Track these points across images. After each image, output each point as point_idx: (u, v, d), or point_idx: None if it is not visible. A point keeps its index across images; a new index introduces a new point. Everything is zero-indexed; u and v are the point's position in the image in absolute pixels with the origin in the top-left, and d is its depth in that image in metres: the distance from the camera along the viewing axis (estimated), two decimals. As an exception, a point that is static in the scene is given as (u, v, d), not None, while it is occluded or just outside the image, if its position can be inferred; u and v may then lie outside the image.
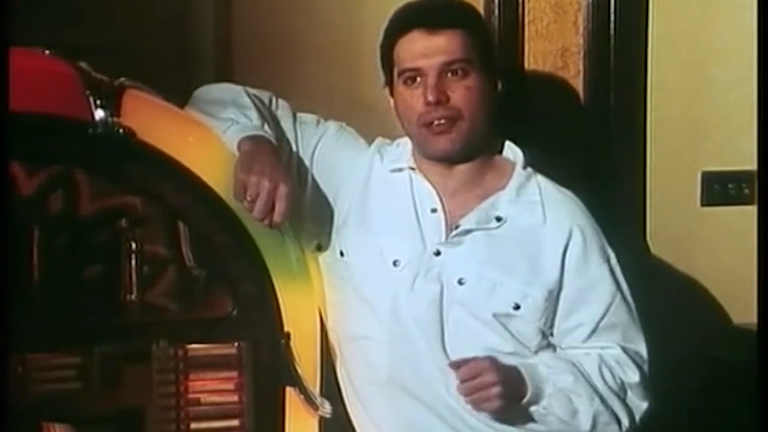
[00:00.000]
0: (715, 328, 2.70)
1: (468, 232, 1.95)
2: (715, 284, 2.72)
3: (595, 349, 1.96)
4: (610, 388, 1.94)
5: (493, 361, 1.87)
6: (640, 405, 1.97)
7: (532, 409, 1.90)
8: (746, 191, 2.71)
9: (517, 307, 1.92)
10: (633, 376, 1.96)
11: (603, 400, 1.93)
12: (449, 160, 1.99)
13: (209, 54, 2.53)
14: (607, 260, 1.98)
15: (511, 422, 1.92)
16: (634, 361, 1.97)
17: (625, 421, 1.95)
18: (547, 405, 1.90)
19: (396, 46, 1.97)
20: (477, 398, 1.85)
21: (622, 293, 1.98)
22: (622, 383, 1.95)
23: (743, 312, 2.68)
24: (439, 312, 1.93)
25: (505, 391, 1.85)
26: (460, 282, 1.93)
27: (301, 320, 1.93)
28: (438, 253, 1.95)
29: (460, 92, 1.93)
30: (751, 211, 2.51)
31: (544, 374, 1.91)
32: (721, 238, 2.73)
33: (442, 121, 1.94)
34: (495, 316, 1.91)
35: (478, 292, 1.92)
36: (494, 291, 1.92)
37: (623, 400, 1.95)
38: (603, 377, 1.94)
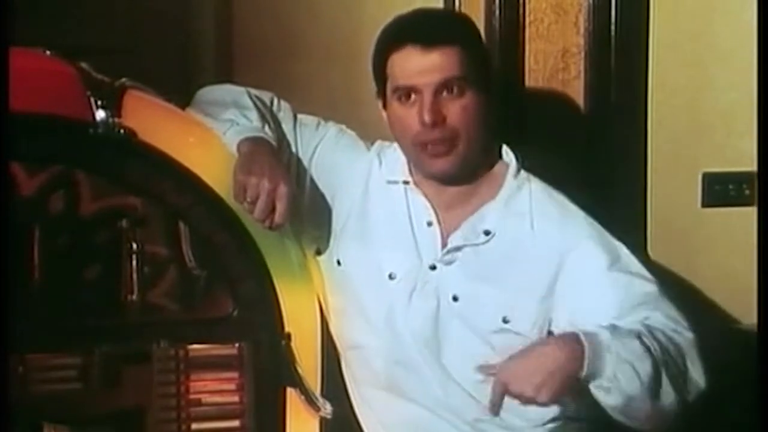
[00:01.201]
0: (715, 329, 2.69)
1: (458, 249, 1.92)
2: (716, 285, 2.72)
3: (631, 324, 1.80)
4: (669, 351, 1.76)
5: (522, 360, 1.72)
6: (698, 380, 1.81)
7: (594, 384, 1.72)
8: (747, 192, 2.71)
9: (505, 321, 1.89)
10: (687, 334, 1.81)
11: (668, 365, 1.75)
12: (446, 181, 1.95)
13: (210, 54, 2.54)
14: (616, 264, 1.89)
15: (572, 399, 1.80)
16: (681, 326, 1.83)
17: (686, 395, 1.79)
18: (612, 377, 1.71)
19: (389, 61, 1.90)
20: (522, 400, 1.72)
21: (635, 284, 1.88)
22: (678, 346, 1.79)
23: (743, 313, 2.67)
24: (436, 327, 1.91)
25: (550, 382, 1.68)
26: (454, 298, 1.91)
27: (301, 321, 1.93)
28: (433, 268, 1.93)
29: (456, 111, 1.87)
30: (751, 212, 2.51)
31: (606, 343, 1.72)
32: (722, 239, 2.73)
33: (438, 143, 1.88)
34: (487, 332, 1.89)
35: (471, 308, 1.90)
36: (485, 306, 1.89)
37: (685, 367, 1.79)
38: (660, 340, 1.76)
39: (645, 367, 1.72)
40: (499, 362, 1.76)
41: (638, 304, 1.85)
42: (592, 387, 1.73)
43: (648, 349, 1.74)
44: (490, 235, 1.92)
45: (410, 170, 1.99)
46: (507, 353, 1.79)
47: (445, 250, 1.92)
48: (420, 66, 1.86)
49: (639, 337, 1.75)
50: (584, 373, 1.70)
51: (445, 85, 1.86)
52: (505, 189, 1.96)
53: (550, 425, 1.94)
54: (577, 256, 1.89)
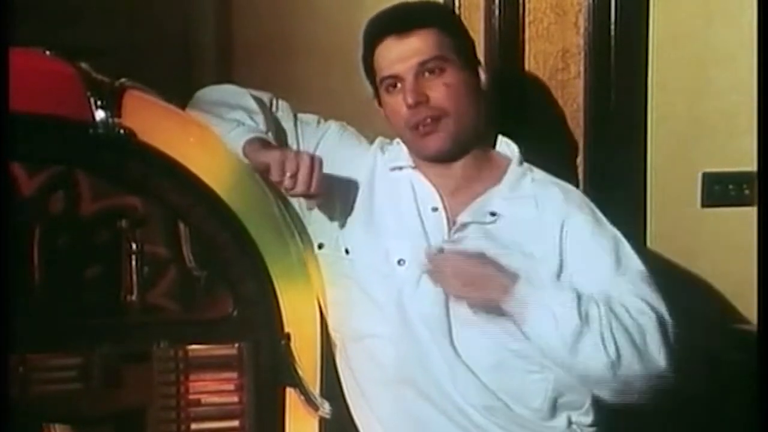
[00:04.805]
0: (715, 329, 2.70)
1: (465, 226, 1.97)
2: (715, 285, 2.72)
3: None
4: (626, 324, 1.84)
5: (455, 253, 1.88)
6: (656, 359, 1.86)
7: (518, 319, 1.85)
8: (747, 192, 2.71)
9: None
10: (652, 315, 1.87)
11: (613, 329, 1.83)
12: (442, 158, 2.00)
13: (209, 54, 2.54)
14: (606, 234, 1.98)
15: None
16: (652, 309, 1.88)
17: (638, 368, 1.84)
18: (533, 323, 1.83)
19: (374, 57, 2.00)
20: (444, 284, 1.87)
21: (625, 259, 1.96)
22: (639, 326, 1.85)
23: (743, 313, 2.68)
24: (445, 309, 1.93)
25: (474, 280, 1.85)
26: None
27: (301, 321, 1.93)
28: (442, 251, 1.95)
29: (439, 90, 1.95)
30: (751, 212, 2.51)
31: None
32: (722, 239, 2.73)
33: (428, 121, 1.95)
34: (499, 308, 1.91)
35: None
36: None
37: (644, 342, 1.85)
38: (618, 316, 1.84)
39: (571, 321, 1.82)
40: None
41: (620, 275, 1.93)
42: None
43: (600, 316, 1.84)
44: (495, 216, 1.98)
45: (413, 159, 2.05)
46: (515, 334, 1.88)
47: (453, 229, 1.97)
48: (399, 53, 1.96)
49: (597, 305, 1.85)
50: (507, 303, 1.83)
51: (424, 67, 1.95)
52: (509, 175, 2.03)
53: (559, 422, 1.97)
54: (576, 220, 1.97)
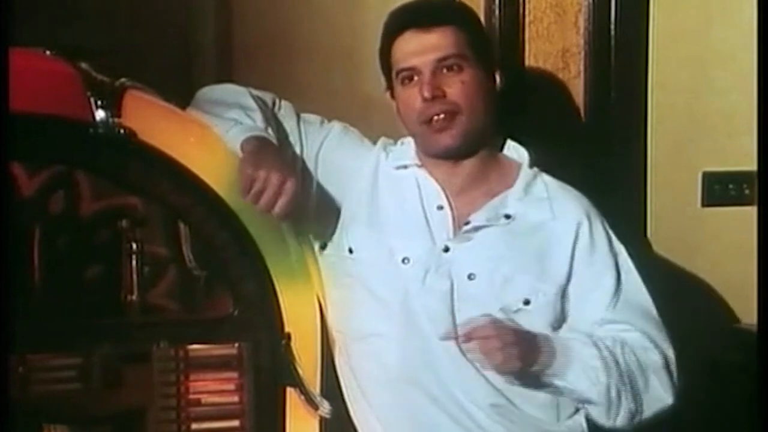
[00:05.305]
0: (715, 329, 2.70)
1: (478, 228, 1.97)
2: (715, 285, 2.72)
3: (611, 332, 1.95)
4: (630, 368, 1.91)
5: (498, 324, 1.86)
6: (663, 396, 1.94)
7: (558, 383, 1.89)
8: (747, 192, 2.71)
9: (527, 302, 1.93)
10: (655, 359, 1.93)
11: (623, 382, 1.90)
12: (452, 155, 2.00)
13: (210, 54, 2.53)
14: (613, 249, 2.00)
15: (535, 387, 1.91)
16: (656, 346, 1.95)
17: (645, 410, 1.92)
18: (573, 381, 1.88)
19: (392, 49, 2.00)
20: (486, 358, 1.84)
21: (630, 281, 1.99)
22: (642, 365, 1.92)
23: (743, 313, 2.68)
24: (451, 307, 1.94)
25: (519, 352, 1.83)
26: (470, 277, 1.94)
27: (301, 321, 1.93)
28: (447, 250, 1.96)
29: (456, 87, 1.96)
30: (751, 212, 2.51)
31: (576, 349, 1.89)
32: (722, 239, 2.73)
33: (442, 116, 1.96)
34: (504, 310, 1.92)
35: (488, 287, 1.94)
36: (505, 286, 1.94)
37: (646, 383, 1.92)
38: (624, 356, 1.92)
39: (603, 379, 1.88)
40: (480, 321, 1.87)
41: (626, 308, 1.97)
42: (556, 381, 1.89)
43: (615, 363, 1.90)
44: (510, 219, 1.98)
45: (419, 157, 2.05)
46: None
47: (464, 230, 1.97)
48: (418, 47, 1.97)
49: (611, 351, 1.90)
50: (538, 367, 1.86)
51: (442, 63, 1.96)
52: (522, 178, 2.03)
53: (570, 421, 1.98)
54: (586, 229, 1.99)
